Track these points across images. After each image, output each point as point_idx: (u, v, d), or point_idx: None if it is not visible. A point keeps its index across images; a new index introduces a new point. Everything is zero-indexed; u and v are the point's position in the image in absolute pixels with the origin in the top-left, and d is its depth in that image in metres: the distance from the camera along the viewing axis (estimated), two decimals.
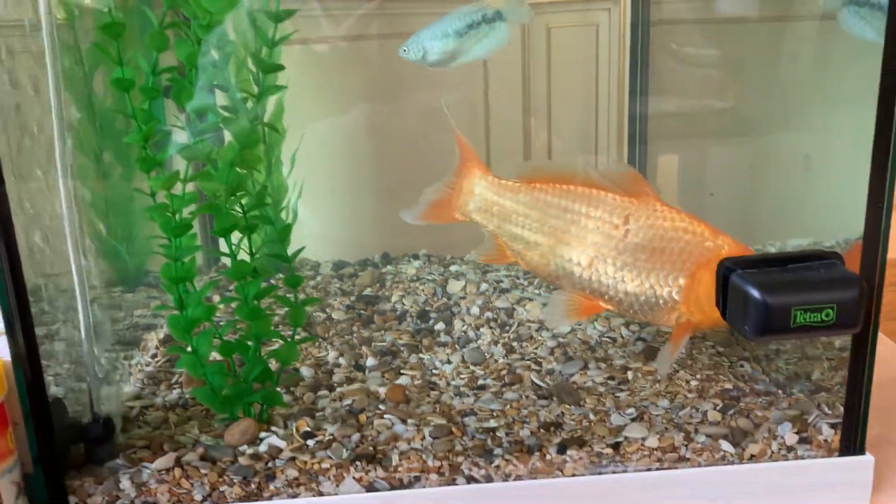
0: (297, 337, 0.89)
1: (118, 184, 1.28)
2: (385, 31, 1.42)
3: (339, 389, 0.96)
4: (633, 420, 0.86)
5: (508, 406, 0.90)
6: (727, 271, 0.76)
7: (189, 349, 0.83)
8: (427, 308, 1.22)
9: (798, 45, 1.32)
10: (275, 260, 0.88)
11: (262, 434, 0.85)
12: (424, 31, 0.93)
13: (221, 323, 0.87)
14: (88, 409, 0.83)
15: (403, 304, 1.25)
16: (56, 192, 0.80)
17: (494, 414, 0.88)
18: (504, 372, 1.00)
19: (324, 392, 0.96)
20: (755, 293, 0.73)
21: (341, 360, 1.05)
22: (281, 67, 0.80)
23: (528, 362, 1.02)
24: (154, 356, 1.08)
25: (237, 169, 0.80)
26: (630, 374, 0.96)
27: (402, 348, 1.08)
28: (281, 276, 1.18)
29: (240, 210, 0.83)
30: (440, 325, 1.15)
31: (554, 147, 1.47)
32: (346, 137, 1.43)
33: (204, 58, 0.79)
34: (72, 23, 1.10)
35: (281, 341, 0.89)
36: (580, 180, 0.84)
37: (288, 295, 0.89)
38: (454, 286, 1.29)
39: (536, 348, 1.05)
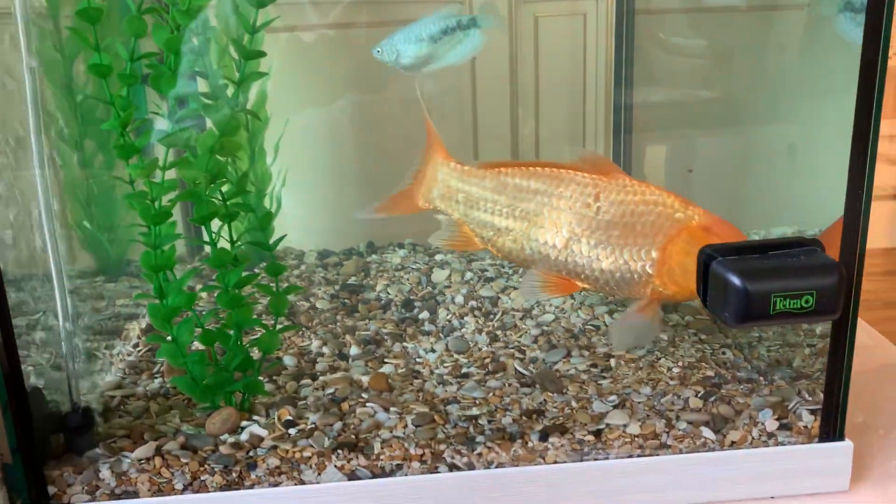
0: (278, 326, 0.89)
1: (99, 172, 1.28)
2: (372, 20, 1.41)
3: (321, 378, 0.96)
4: (614, 407, 0.86)
5: (491, 394, 0.90)
6: (708, 259, 0.76)
7: (169, 338, 0.82)
8: (412, 297, 1.21)
9: (785, 35, 1.33)
10: (257, 248, 0.88)
11: (244, 423, 0.85)
12: (399, 34, 0.93)
13: (203, 312, 0.87)
14: (68, 399, 0.83)
15: (388, 293, 1.24)
16: (33, 181, 0.79)
17: (477, 402, 0.88)
18: (488, 360, 1.00)
19: (307, 381, 0.95)
20: (735, 280, 0.73)
21: (325, 350, 1.05)
22: (262, 54, 0.79)
23: (512, 350, 1.02)
24: (136, 346, 1.07)
25: (217, 157, 0.79)
26: (613, 362, 0.96)
27: (386, 337, 1.08)
28: (263, 264, 1.17)
29: (220, 198, 0.83)
30: (424, 314, 1.15)
31: (541, 136, 1.47)
32: (331, 125, 1.42)
33: (184, 44, 0.78)
34: (53, 8, 1.08)
35: (263, 330, 0.88)
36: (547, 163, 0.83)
37: (270, 284, 0.89)
38: (439, 275, 1.28)
39: (520, 336, 1.05)
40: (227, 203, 0.84)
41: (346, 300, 1.22)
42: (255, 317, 0.88)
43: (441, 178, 0.85)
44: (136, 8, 0.77)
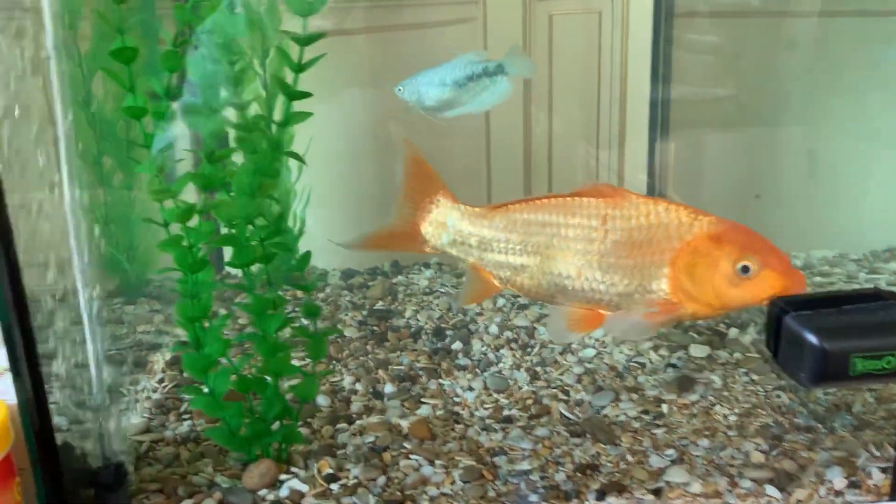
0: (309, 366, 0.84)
1: (118, 190, 1.23)
2: (395, 23, 1.37)
3: (358, 422, 0.92)
4: (672, 462, 0.82)
5: (540, 444, 0.86)
6: (780, 313, 0.72)
7: (205, 389, 0.78)
8: (442, 325, 1.17)
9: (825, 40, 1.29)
10: (296, 286, 0.83)
11: (282, 476, 0.81)
12: (422, 76, 0.89)
13: (236, 357, 0.82)
14: (97, 451, 0.78)
15: (418, 319, 1.20)
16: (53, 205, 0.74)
17: (526, 454, 0.84)
18: (530, 401, 0.95)
19: (342, 425, 0.91)
20: (812, 338, 0.69)
21: (358, 386, 1.01)
22: (308, 94, 0.74)
23: (555, 391, 0.97)
24: (161, 381, 1.03)
25: (256, 198, 0.75)
26: (665, 408, 0.92)
27: (420, 372, 1.04)
28: (288, 287, 1.12)
29: (258, 240, 0.78)
30: (457, 345, 1.11)
31: (555, 134, 1.42)
32: (353, 140, 1.37)
33: (219, 77, 0.74)
34: (71, 24, 1.03)
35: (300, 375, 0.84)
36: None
37: (306, 324, 0.84)
38: None
39: (562, 374, 1.01)
40: (264, 243, 0.79)
41: (374, 327, 1.17)
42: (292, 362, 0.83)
43: (451, 224, 0.81)
44: (171, 42, 0.72)
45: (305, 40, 0.71)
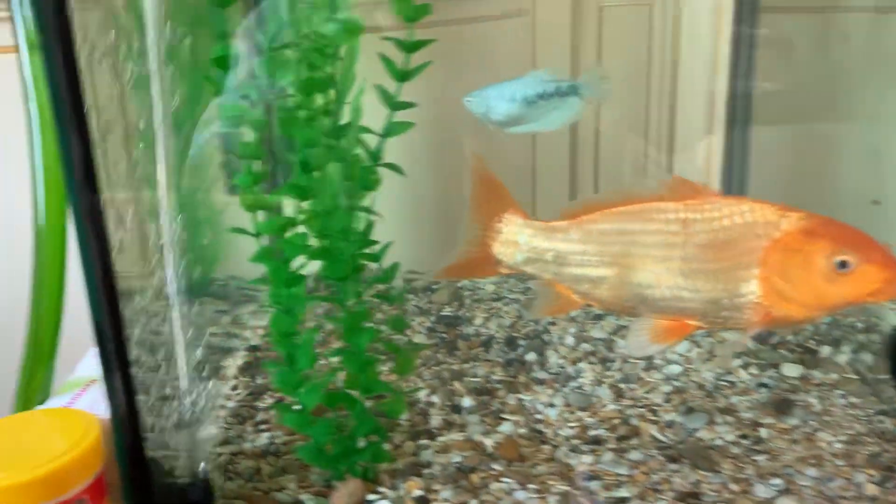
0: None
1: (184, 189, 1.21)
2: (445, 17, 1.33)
3: (440, 438, 0.89)
4: (779, 492, 0.78)
5: (636, 470, 0.82)
6: None
7: (298, 406, 0.75)
8: (514, 334, 1.14)
9: None
10: (382, 299, 0.80)
11: (370, 496, 0.78)
12: (492, 88, 0.87)
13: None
14: (184, 465, 0.76)
15: (488, 328, 1.17)
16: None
17: (622, 479, 0.81)
18: (616, 421, 0.92)
19: (424, 441, 0.88)
20: None
21: (434, 398, 0.98)
22: (411, 105, 0.71)
23: (642, 410, 0.94)
24: (234, 387, 1.01)
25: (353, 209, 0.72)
26: (764, 432, 0.87)
27: (497, 385, 1.00)
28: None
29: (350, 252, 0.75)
30: (531, 356, 1.07)
31: (602, 128, 1.37)
32: (416, 146, 1.34)
33: (315, 84, 0.70)
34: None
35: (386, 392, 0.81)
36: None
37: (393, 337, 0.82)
38: None
39: (648, 392, 0.97)
40: (356, 255, 0.76)
41: (443, 334, 1.14)
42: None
43: (524, 241, 0.77)
44: (271, 47, 0.69)
45: (411, 46, 0.67)
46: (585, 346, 1.09)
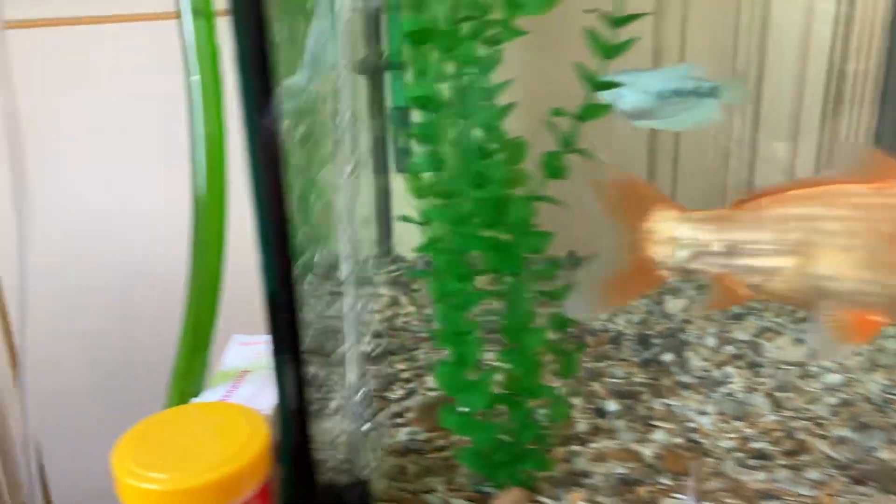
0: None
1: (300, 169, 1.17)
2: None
3: (592, 445, 0.83)
4: None
5: (819, 491, 0.75)
6: None
7: (464, 409, 0.70)
8: (646, 332, 1.07)
9: None
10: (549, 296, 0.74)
11: None
12: (627, 75, 0.79)
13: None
14: (345, 465, 0.72)
15: (615, 322, 1.10)
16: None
17: (805, 501, 0.74)
18: (778, 434, 0.85)
19: (575, 447, 0.83)
20: None
21: (575, 400, 0.92)
22: (617, 84, 0.64)
23: (806, 423, 0.86)
24: (362, 376, 0.96)
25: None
26: None
27: (640, 388, 0.94)
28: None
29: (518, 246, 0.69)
30: (667, 356, 1.01)
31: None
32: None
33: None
34: None
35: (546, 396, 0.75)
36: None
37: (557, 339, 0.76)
38: (673, 304, 1.14)
39: (809, 403, 0.90)
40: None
41: (571, 329, 1.08)
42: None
43: (682, 236, 0.67)
44: (450, 20, 0.63)
45: (621, 21, 0.61)
46: (729, 349, 1.02)
